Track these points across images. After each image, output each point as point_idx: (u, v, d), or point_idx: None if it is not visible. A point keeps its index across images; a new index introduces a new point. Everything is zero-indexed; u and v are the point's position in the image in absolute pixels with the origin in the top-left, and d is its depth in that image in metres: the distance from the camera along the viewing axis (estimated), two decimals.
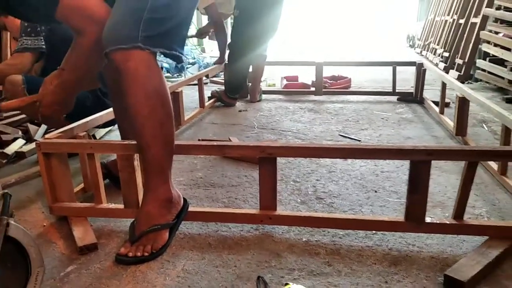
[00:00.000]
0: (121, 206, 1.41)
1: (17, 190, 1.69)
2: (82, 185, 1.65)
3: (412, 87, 3.22)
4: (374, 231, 1.32)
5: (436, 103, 2.76)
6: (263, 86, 3.67)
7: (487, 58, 3.58)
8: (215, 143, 1.36)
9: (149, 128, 1.19)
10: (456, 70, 4.13)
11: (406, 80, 3.85)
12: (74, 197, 1.50)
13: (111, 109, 1.75)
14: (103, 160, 1.73)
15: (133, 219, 1.29)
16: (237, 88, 3.13)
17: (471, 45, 3.96)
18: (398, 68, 3.21)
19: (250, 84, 3.29)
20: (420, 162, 1.20)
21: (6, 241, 0.97)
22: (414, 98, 3.12)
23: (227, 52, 3.19)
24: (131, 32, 1.14)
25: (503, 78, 3.24)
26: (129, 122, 1.25)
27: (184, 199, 1.36)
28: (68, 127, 1.56)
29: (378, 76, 4.23)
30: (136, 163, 1.36)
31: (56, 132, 1.52)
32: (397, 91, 3.24)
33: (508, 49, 3.20)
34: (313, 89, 3.42)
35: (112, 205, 1.45)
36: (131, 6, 1.16)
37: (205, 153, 1.37)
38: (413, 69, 3.14)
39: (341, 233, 1.32)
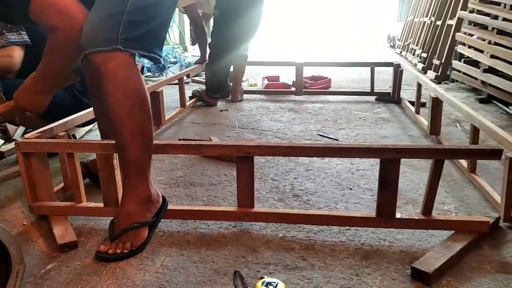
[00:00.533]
0: (101, 204, 1.43)
1: None
2: (62, 184, 1.66)
3: (390, 87, 3.30)
4: (347, 227, 1.37)
5: (412, 103, 2.84)
6: (245, 86, 3.71)
7: (462, 59, 3.69)
8: (193, 142, 1.39)
9: (128, 128, 1.21)
10: (434, 71, 4.24)
11: (386, 80, 3.93)
12: (54, 196, 1.52)
13: (90, 109, 1.77)
14: (83, 159, 1.75)
15: (113, 218, 1.32)
16: (218, 87, 3.16)
17: (447, 46, 4.07)
18: (378, 68, 3.29)
19: (231, 83, 3.33)
20: (389, 160, 1.25)
21: None
22: (391, 98, 3.20)
23: (208, 51, 3.22)
24: (111, 34, 1.16)
25: (477, 79, 3.35)
26: (108, 121, 1.27)
27: (163, 198, 1.39)
28: (48, 126, 1.57)
29: (357, 77, 4.31)
30: (115, 162, 1.39)
31: (35, 132, 1.53)
32: (375, 91, 3.32)
33: (481, 51, 3.31)
34: (293, 89, 3.48)
35: (92, 204, 1.47)
36: (110, 8, 1.18)
37: (183, 153, 1.40)
38: (392, 69, 3.21)
39: (316, 229, 1.37)
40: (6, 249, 1.02)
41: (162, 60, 1.31)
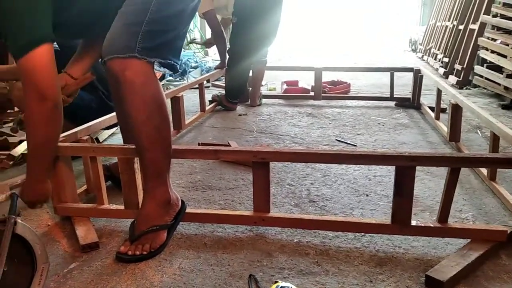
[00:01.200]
0: (122, 207, 1.48)
1: None
2: (85, 187, 1.72)
3: (410, 92, 3.28)
4: (362, 233, 1.38)
5: (432, 109, 2.81)
6: (264, 91, 3.74)
7: (485, 64, 3.63)
8: (210, 148, 1.42)
9: (146, 133, 1.26)
10: (455, 76, 4.18)
11: (406, 85, 3.90)
12: (77, 198, 1.57)
13: (113, 114, 1.82)
14: (106, 162, 1.80)
15: (133, 220, 1.36)
16: (237, 92, 3.20)
17: (469, 51, 4.01)
18: (398, 73, 3.26)
19: (250, 88, 3.36)
20: (404, 167, 1.26)
21: (13, 238, 1.04)
22: (411, 103, 3.17)
23: (227, 57, 3.26)
24: (129, 43, 1.20)
25: (499, 84, 3.29)
26: (127, 126, 1.32)
27: (182, 201, 1.42)
28: (72, 131, 1.63)
29: (377, 81, 4.29)
30: (136, 166, 1.43)
31: (62, 135, 1.59)
32: (395, 96, 3.30)
33: (504, 56, 3.25)
34: (312, 94, 3.49)
35: (113, 206, 1.52)
36: (130, 19, 1.23)
37: (200, 158, 1.44)
38: (411, 75, 3.19)
39: (331, 234, 1.38)
40: (32, 248, 1.08)
41: (178, 67, 1.35)
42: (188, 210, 1.43)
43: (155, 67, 1.31)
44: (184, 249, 1.31)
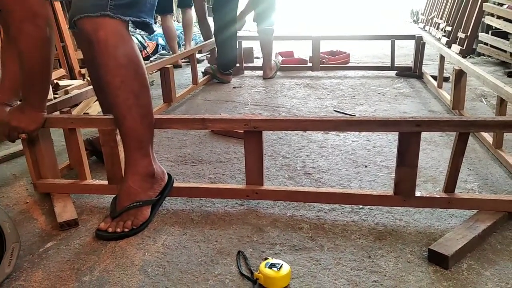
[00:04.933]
0: (105, 182, 1.39)
1: (3, 168, 1.68)
2: (67, 162, 1.63)
3: (411, 62, 3.15)
4: (360, 206, 1.29)
5: (435, 77, 2.69)
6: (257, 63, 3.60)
7: (490, 31, 3.48)
8: (197, 116, 1.32)
9: (123, 98, 1.15)
10: (459, 45, 4.03)
11: (407, 55, 3.77)
12: (58, 174, 1.48)
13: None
14: (88, 136, 1.71)
15: (115, 195, 1.27)
16: (229, 63, 3.07)
17: (474, 18, 3.85)
18: (400, 43, 3.13)
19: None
20: (409, 133, 1.16)
21: None
22: (412, 72, 3.05)
23: (212, 27, 3.16)
24: (100, 0, 1.09)
25: (505, 51, 3.15)
26: (104, 94, 1.21)
27: (169, 176, 1.33)
28: (51, 102, 1.53)
29: (378, 52, 4.14)
30: (119, 137, 1.33)
31: None
32: (396, 65, 3.17)
33: (511, 21, 3.10)
34: (310, 64, 3.36)
35: (96, 181, 1.43)
36: None
37: (187, 127, 1.33)
38: (413, 44, 3.05)
39: (326, 208, 1.29)
40: (0, 227, 0.99)
41: (153, 27, 1.24)
42: (175, 184, 1.34)
43: (139, 35, 1.19)
44: (169, 225, 1.22)
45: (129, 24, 1.18)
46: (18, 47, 1.14)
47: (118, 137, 1.33)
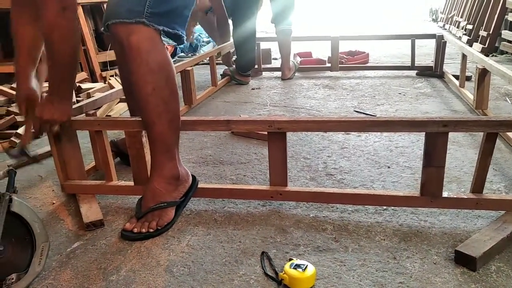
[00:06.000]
0: (131, 183, 1.41)
1: (30, 170, 1.71)
2: (93, 163, 1.66)
3: (432, 61, 3.10)
4: (384, 207, 1.28)
5: (457, 77, 2.65)
6: (275, 64, 3.60)
7: None
8: (222, 118, 1.33)
9: (153, 105, 1.17)
10: (480, 43, 3.96)
11: (428, 55, 3.71)
12: (84, 175, 1.51)
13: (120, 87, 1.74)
14: (113, 138, 1.74)
15: (141, 196, 1.29)
16: (247, 65, 3.08)
17: (496, 15, 3.77)
18: (420, 42, 3.08)
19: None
20: (435, 134, 1.14)
21: (9, 216, 0.98)
22: (433, 72, 3.00)
23: (231, 32, 3.17)
24: (137, 7, 1.11)
25: None
26: (134, 98, 1.24)
27: (193, 177, 1.34)
28: (77, 105, 1.56)
29: (397, 51, 4.10)
30: (144, 139, 1.35)
31: None
32: (416, 65, 3.13)
33: None
34: (329, 65, 3.34)
35: (122, 183, 1.45)
36: None
37: (211, 129, 1.34)
38: (434, 43, 3.01)
39: (350, 209, 1.28)
40: (30, 227, 1.02)
41: (184, 39, 1.25)
42: (199, 185, 1.35)
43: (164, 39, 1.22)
44: (193, 225, 1.24)
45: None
46: (50, 38, 1.15)
47: (144, 139, 1.35)
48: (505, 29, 3.64)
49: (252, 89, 2.94)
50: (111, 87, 2.70)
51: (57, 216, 1.33)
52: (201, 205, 1.35)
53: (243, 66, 3.07)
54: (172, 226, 1.23)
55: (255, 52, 3.16)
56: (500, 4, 3.72)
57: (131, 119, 1.33)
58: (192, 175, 1.34)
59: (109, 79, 3.06)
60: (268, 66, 3.57)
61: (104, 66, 3.36)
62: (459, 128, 1.14)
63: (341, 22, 7.73)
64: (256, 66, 3.26)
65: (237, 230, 1.20)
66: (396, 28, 6.42)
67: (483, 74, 2.02)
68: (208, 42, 4.66)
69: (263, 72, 3.42)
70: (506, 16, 3.66)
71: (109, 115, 2.34)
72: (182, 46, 4.41)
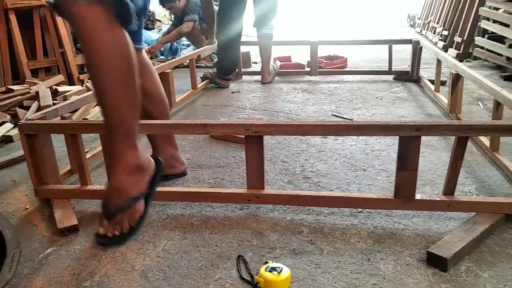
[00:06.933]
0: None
1: (3, 174, 1.68)
2: (69, 167, 1.63)
3: (409, 66, 3.16)
4: (360, 209, 1.30)
5: (432, 81, 2.71)
6: (255, 68, 3.62)
7: (486, 35, 3.50)
8: (199, 121, 1.33)
9: (113, 88, 1.06)
10: (455, 49, 4.06)
11: (405, 60, 3.78)
12: (59, 179, 1.49)
13: None
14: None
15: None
16: (229, 68, 3.08)
17: (470, 22, 3.87)
18: (397, 47, 3.14)
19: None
20: (409, 138, 1.17)
21: None
22: (410, 77, 3.06)
23: (215, 31, 3.15)
24: None
25: (501, 55, 3.17)
26: (92, 84, 1.16)
27: (156, 160, 1.21)
28: (52, 108, 1.54)
29: (375, 56, 4.16)
30: None
31: (39, 112, 1.50)
32: (393, 70, 3.18)
33: (507, 26, 3.13)
34: (308, 69, 3.37)
35: (98, 187, 1.43)
36: None
37: (188, 133, 1.34)
38: (411, 48, 3.07)
39: (326, 211, 1.30)
40: (0, 233, 0.99)
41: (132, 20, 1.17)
42: (176, 189, 1.35)
43: None
44: (169, 230, 1.23)
45: None
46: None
47: None
48: (478, 36, 3.74)
49: (232, 92, 2.95)
50: (89, 90, 2.66)
51: (30, 222, 1.31)
52: (178, 209, 1.35)
53: (225, 69, 3.07)
54: (145, 219, 1.17)
55: (238, 56, 3.16)
56: (473, 12, 3.83)
57: None
58: (154, 157, 1.22)
59: (87, 82, 3.02)
60: (248, 69, 3.58)
61: (82, 68, 3.31)
62: (432, 132, 1.17)
63: (320, 26, 7.81)
64: (236, 70, 3.26)
65: (214, 234, 1.20)
66: (375, 34, 6.52)
67: (457, 79, 2.07)
68: (188, 45, 4.65)
69: (243, 76, 3.43)
70: (479, 23, 3.76)
71: (86, 118, 2.31)
72: (162, 49, 4.37)
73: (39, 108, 2.34)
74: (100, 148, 1.74)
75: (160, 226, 1.25)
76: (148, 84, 1.43)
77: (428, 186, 1.46)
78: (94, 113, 2.41)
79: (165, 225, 1.25)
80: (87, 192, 1.42)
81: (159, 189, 1.42)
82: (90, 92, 1.74)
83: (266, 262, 1.01)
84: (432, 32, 5.25)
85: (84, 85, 2.95)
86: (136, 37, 1.23)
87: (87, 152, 1.73)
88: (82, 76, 3.19)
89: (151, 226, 1.24)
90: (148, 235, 1.20)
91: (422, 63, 3.10)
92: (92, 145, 1.93)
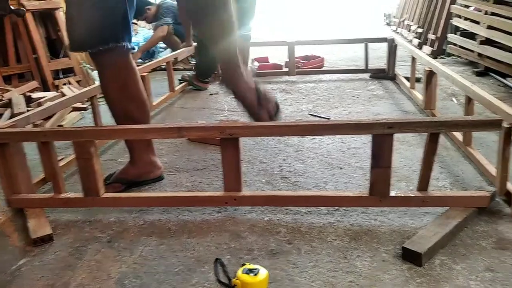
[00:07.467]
0: (81, 195, 1.37)
1: None
2: (42, 175, 1.60)
3: (385, 64, 3.21)
4: (336, 208, 1.31)
5: (408, 78, 2.75)
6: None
7: (458, 32, 3.58)
8: (173, 124, 1.32)
9: None
10: (430, 46, 4.13)
11: (381, 58, 3.82)
12: (32, 188, 1.46)
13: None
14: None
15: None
16: (209, 71, 3.07)
17: (443, 19, 3.95)
18: (374, 46, 3.17)
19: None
20: (382, 135, 1.18)
21: None
22: (386, 74, 3.11)
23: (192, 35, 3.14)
24: None
25: (473, 51, 3.24)
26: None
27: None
28: (24, 115, 1.51)
29: (353, 55, 4.20)
30: (93, 149, 1.32)
31: (10, 120, 1.46)
32: (369, 68, 3.22)
33: (477, 22, 3.20)
34: (286, 69, 3.38)
35: (72, 194, 1.40)
36: None
37: (162, 137, 1.33)
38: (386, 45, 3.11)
39: (303, 210, 1.31)
40: None
41: None
42: (153, 194, 1.35)
43: None
44: (146, 236, 1.22)
45: None
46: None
47: (92, 149, 1.31)
48: (451, 33, 3.82)
49: (211, 94, 2.94)
50: (63, 96, 2.61)
51: (1, 233, 1.28)
52: (155, 214, 1.33)
53: (205, 71, 3.05)
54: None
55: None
56: (446, 10, 3.91)
57: (79, 129, 1.30)
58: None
59: (62, 88, 2.96)
60: None
61: (56, 74, 3.25)
62: (404, 130, 1.19)
63: (297, 26, 7.85)
64: (215, 72, 3.25)
65: (192, 238, 1.19)
66: (352, 32, 6.59)
67: (431, 75, 2.11)
68: (165, 48, 4.61)
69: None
70: (451, 21, 3.84)
71: (61, 125, 2.27)
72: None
73: (12, 116, 2.29)
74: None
75: (137, 232, 1.24)
76: (133, 88, 1.44)
77: (404, 182, 1.48)
78: (70, 119, 2.37)
79: (142, 231, 1.24)
80: (60, 200, 1.39)
81: (135, 194, 1.42)
82: (63, 98, 1.71)
83: (243, 264, 1.01)
84: (407, 30, 5.33)
85: (59, 91, 2.90)
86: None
87: (62, 159, 1.70)
88: (57, 82, 3.13)
89: (128, 233, 1.23)
90: (124, 242, 1.19)
91: (398, 61, 3.15)
92: (67, 152, 1.90)
